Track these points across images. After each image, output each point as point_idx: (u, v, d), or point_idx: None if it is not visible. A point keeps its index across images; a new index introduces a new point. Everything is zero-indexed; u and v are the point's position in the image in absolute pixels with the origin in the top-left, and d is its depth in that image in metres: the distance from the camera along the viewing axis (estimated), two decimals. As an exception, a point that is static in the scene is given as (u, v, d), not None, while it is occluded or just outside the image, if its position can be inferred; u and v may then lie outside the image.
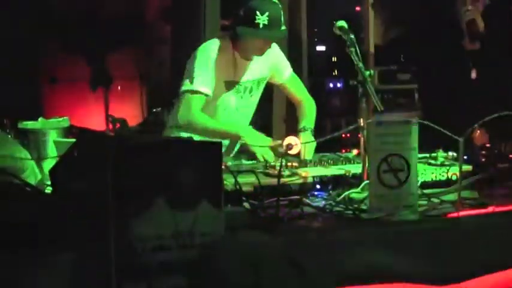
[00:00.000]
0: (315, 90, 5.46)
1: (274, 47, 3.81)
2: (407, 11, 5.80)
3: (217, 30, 5.18)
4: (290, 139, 3.15)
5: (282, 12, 3.54)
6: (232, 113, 3.75)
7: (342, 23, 3.27)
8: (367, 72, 3.01)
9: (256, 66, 3.74)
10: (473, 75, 4.41)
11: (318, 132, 3.87)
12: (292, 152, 3.10)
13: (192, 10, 5.21)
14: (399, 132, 2.56)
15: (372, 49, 5.78)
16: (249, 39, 3.55)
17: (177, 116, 3.59)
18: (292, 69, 3.94)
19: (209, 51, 3.61)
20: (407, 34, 4.86)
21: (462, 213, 2.69)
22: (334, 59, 5.33)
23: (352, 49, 3.12)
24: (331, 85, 5.48)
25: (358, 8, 5.78)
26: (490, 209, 2.80)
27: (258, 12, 3.42)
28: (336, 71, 5.34)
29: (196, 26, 5.18)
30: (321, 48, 5.46)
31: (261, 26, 3.44)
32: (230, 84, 3.69)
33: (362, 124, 2.92)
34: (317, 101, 5.48)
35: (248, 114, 3.86)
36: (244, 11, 3.46)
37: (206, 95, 3.56)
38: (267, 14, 3.43)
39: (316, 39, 5.44)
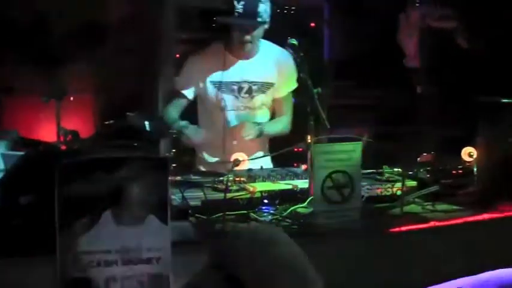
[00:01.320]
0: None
1: (288, 58, 3.81)
2: (363, 28, 5.90)
3: (174, 44, 5.21)
4: (238, 155, 3.19)
5: (261, 5, 3.63)
6: (230, 113, 3.82)
7: (292, 41, 3.32)
8: (315, 90, 3.07)
9: (258, 68, 3.82)
10: (419, 91, 4.50)
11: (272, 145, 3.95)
12: (240, 167, 3.14)
13: (149, 23, 5.22)
14: (343, 150, 2.62)
15: (328, 65, 5.86)
16: (232, 30, 3.66)
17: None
18: (295, 86, 3.94)
19: (192, 58, 3.81)
20: (363, 50, 4.93)
21: (405, 228, 2.76)
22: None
23: (302, 67, 3.17)
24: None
25: (313, 24, 5.85)
26: (432, 223, 2.87)
27: (235, 2, 3.54)
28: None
29: (153, 39, 5.19)
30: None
31: (236, 14, 3.55)
32: (219, 84, 3.77)
33: (309, 141, 2.96)
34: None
35: (255, 116, 3.89)
36: (224, 3, 3.61)
37: (184, 97, 3.76)
38: (242, 3, 3.54)
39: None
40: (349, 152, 2.62)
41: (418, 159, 3.92)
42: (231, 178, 3.01)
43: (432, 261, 2.71)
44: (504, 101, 3.35)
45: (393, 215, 2.93)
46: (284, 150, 3.21)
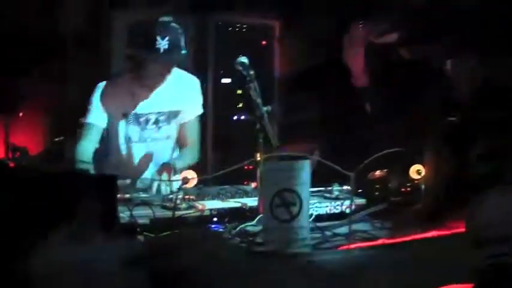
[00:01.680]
0: (220, 122, 5.54)
1: (192, 82, 3.86)
2: (313, 46, 5.95)
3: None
4: (187, 173, 3.18)
5: (182, 36, 3.59)
6: (136, 145, 3.74)
7: (242, 59, 3.33)
8: (265, 108, 3.08)
9: (163, 99, 3.74)
10: (368, 110, 4.54)
11: (223, 163, 3.94)
12: (189, 185, 3.13)
13: (99, 41, 5.19)
14: (291, 168, 2.63)
15: (277, 83, 5.89)
16: (149, 65, 3.54)
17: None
18: (201, 112, 3.95)
19: (103, 87, 3.67)
20: (313, 69, 4.97)
21: (354, 245, 2.78)
22: (239, 91, 5.38)
23: (252, 85, 3.18)
24: (235, 118, 5.53)
25: (264, 43, 5.87)
26: (380, 241, 2.90)
27: (158, 38, 3.45)
28: (240, 104, 5.39)
29: (102, 56, 5.16)
30: (226, 80, 5.51)
31: (161, 50, 3.47)
32: (126, 116, 3.68)
33: (258, 159, 2.97)
34: (222, 133, 5.57)
35: (161, 147, 3.81)
36: (144, 37, 3.51)
37: (94, 126, 3.64)
38: (167, 38, 3.47)
39: (221, 72, 5.48)
40: (297, 170, 2.63)
41: (368, 176, 3.97)
42: (180, 196, 3.00)
43: (381, 278, 2.72)
44: (451, 118, 3.40)
45: (342, 233, 2.94)
46: (232, 168, 3.21)
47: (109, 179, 2.31)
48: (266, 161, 2.69)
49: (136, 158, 3.76)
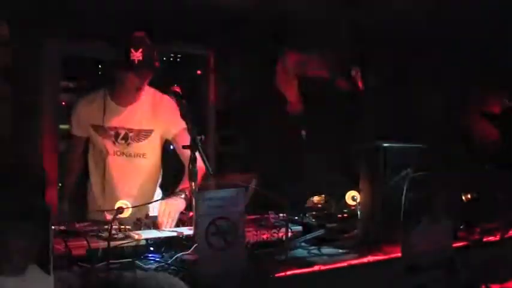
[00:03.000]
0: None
1: (165, 101, 3.84)
2: (247, 77, 5.99)
3: (58, 91, 5.13)
4: (121, 203, 3.16)
5: (154, 50, 3.66)
6: (110, 158, 3.79)
7: (175, 89, 3.35)
8: (198, 137, 3.09)
9: (137, 117, 3.79)
10: (304, 137, 4.59)
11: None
12: (124, 215, 3.10)
13: (32, 70, 5.13)
14: (226, 196, 2.64)
15: (213, 113, 5.91)
16: (124, 79, 3.63)
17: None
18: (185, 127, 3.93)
19: (79, 101, 3.81)
20: (248, 97, 5.01)
21: (290, 272, 2.78)
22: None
23: (185, 114, 3.19)
24: (172, 147, 5.51)
25: (199, 72, 5.90)
26: (317, 267, 2.92)
27: (132, 50, 3.52)
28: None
29: (35, 86, 5.10)
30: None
31: (136, 62, 3.53)
32: (99, 129, 3.75)
33: (194, 187, 2.97)
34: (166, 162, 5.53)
35: (131, 163, 3.83)
36: (119, 51, 3.57)
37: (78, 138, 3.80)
38: (140, 50, 3.54)
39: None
40: (231, 198, 2.64)
41: (305, 203, 4.00)
42: (115, 226, 2.97)
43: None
44: (385, 145, 3.45)
45: (278, 260, 2.95)
46: (165, 198, 3.21)
47: (43, 210, 2.27)
48: (201, 189, 2.69)
49: (113, 170, 3.81)
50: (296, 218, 3.54)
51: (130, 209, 3.12)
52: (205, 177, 3.41)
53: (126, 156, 3.81)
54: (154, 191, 3.96)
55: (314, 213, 3.74)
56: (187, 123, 3.18)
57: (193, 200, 2.97)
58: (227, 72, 6.00)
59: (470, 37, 6.05)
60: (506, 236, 3.74)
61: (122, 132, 3.77)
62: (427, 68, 5.94)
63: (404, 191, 3.01)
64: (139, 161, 3.86)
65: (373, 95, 5.14)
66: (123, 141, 3.78)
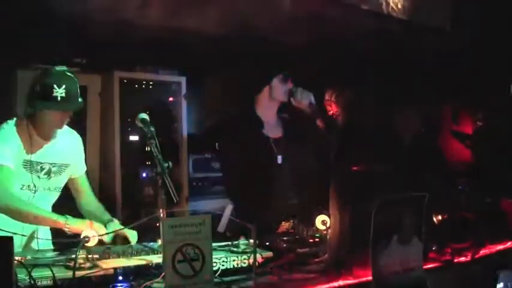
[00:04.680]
0: (128, 179, 5.49)
1: (79, 139, 3.93)
2: (220, 101, 6.01)
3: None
4: (87, 231, 3.13)
5: (78, 86, 3.60)
6: (31, 192, 3.68)
7: (143, 116, 3.34)
8: (166, 164, 3.08)
9: (57, 151, 3.75)
10: (279, 161, 4.59)
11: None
12: (90, 244, 3.08)
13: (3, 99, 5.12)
14: (193, 223, 2.62)
15: (185, 138, 5.91)
16: (47, 113, 3.56)
17: None
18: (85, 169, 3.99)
19: (5, 128, 3.62)
20: (220, 124, 5.00)
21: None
22: (147, 148, 5.36)
23: (152, 141, 3.19)
24: (144, 174, 5.51)
25: (171, 99, 5.90)
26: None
27: (55, 86, 3.47)
28: (149, 161, 5.37)
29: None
30: (134, 137, 5.48)
31: (58, 98, 3.48)
32: (24, 162, 3.63)
33: (162, 215, 2.95)
34: (131, 190, 5.52)
35: (48, 196, 3.79)
36: (41, 86, 3.50)
37: (8, 168, 3.52)
38: (63, 87, 3.49)
39: (129, 129, 5.46)
40: (198, 225, 2.62)
41: (275, 228, 3.99)
42: (83, 255, 2.94)
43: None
44: (354, 168, 3.46)
45: (248, 286, 2.94)
46: (132, 225, 3.19)
47: (5, 240, 2.24)
48: (164, 217, 2.68)
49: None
50: (267, 243, 3.53)
51: (97, 238, 3.10)
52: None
53: (45, 190, 3.75)
54: None
55: (284, 238, 3.73)
56: (153, 151, 3.17)
57: (160, 227, 2.95)
58: (201, 98, 6.02)
59: (443, 58, 6.13)
60: (477, 256, 3.76)
61: (46, 167, 3.72)
62: (399, 90, 6.00)
63: (374, 213, 3.01)
64: (55, 194, 3.84)
65: (344, 118, 5.17)
66: (45, 176, 3.73)
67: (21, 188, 3.64)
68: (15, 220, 3.47)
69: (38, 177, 3.70)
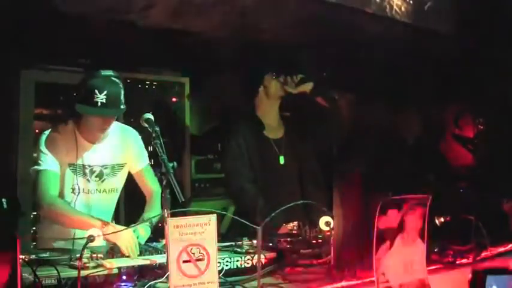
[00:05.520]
0: (131, 179, 5.48)
1: (133, 135, 3.92)
2: (223, 102, 6.01)
3: (31, 119, 5.11)
4: (93, 231, 3.14)
5: (121, 91, 3.61)
6: (82, 196, 3.71)
7: (147, 116, 3.34)
8: (171, 164, 3.08)
9: (106, 152, 3.77)
10: (281, 161, 4.60)
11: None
12: (95, 243, 3.09)
13: (6, 99, 5.12)
14: (198, 223, 2.63)
15: (188, 139, 5.92)
16: (89, 118, 3.58)
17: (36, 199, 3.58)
18: (148, 161, 4.00)
19: (49, 135, 3.66)
20: (223, 125, 5.02)
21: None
22: (150, 148, 5.36)
23: (157, 141, 3.20)
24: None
25: (174, 99, 5.91)
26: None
27: (96, 91, 3.47)
28: (152, 161, 5.37)
29: (10, 116, 5.09)
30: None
31: (99, 104, 3.48)
32: (73, 167, 3.67)
33: (166, 215, 2.96)
34: (133, 190, 5.50)
35: (103, 199, 3.82)
36: (84, 90, 3.52)
37: (54, 173, 3.58)
38: (105, 92, 3.48)
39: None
40: (203, 225, 2.63)
41: (278, 229, 4.00)
42: (87, 255, 2.95)
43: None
44: (357, 169, 3.47)
45: (252, 287, 2.95)
46: (136, 225, 3.21)
47: (10, 238, 2.25)
48: (173, 216, 2.68)
49: (83, 208, 3.72)
50: (270, 244, 3.54)
51: (102, 237, 3.11)
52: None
53: (100, 192, 3.78)
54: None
55: (288, 239, 3.74)
56: (158, 151, 3.17)
57: (165, 227, 2.96)
58: (204, 99, 6.03)
59: (446, 61, 6.14)
60: (479, 258, 3.77)
61: (97, 170, 3.75)
62: (402, 92, 6.01)
63: (377, 215, 3.02)
64: (112, 196, 3.87)
65: (348, 119, 5.18)
66: (97, 179, 3.76)
67: (71, 192, 3.69)
68: (58, 223, 3.57)
69: (88, 180, 3.72)
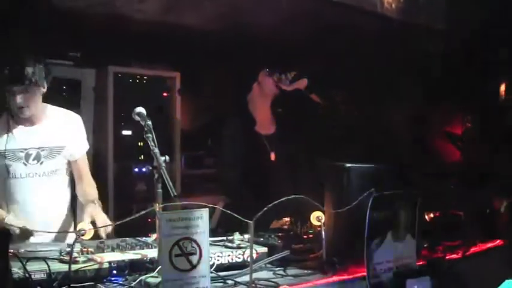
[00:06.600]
0: (121, 174, 5.49)
1: (75, 119, 3.90)
2: (214, 98, 6.01)
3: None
4: (82, 224, 3.12)
5: (26, 68, 3.52)
6: (22, 181, 3.69)
7: (139, 109, 3.32)
8: (163, 158, 3.07)
9: (44, 135, 3.74)
10: (272, 158, 4.60)
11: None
12: (85, 237, 3.07)
13: None
14: (190, 217, 2.62)
15: (179, 134, 5.91)
16: (17, 97, 3.56)
17: None
18: (87, 147, 3.98)
19: None
20: (214, 120, 5.00)
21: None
22: (140, 143, 5.36)
23: (149, 135, 3.17)
24: (136, 169, 5.50)
25: (165, 94, 5.90)
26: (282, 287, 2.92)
27: (8, 69, 3.48)
28: (142, 156, 5.38)
29: None
30: (127, 132, 5.47)
31: (25, 81, 3.48)
32: (5, 152, 3.64)
33: (158, 209, 2.94)
34: (123, 185, 5.51)
35: (47, 181, 3.78)
36: (9, 69, 3.49)
37: None
38: (7, 67, 3.48)
39: (122, 124, 5.45)
40: (196, 219, 2.62)
41: (270, 224, 4.00)
42: (78, 249, 2.94)
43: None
44: (348, 165, 3.47)
45: (243, 282, 2.94)
46: (128, 219, 3.18)
47: (1, 233, 2.24)
48: (164, 210, 2.67)
49: (25, 193, 3.71)
50: (261, 239, 3.54)
51: (92, 231, 3.09)
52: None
53: (40, 176, 3.75)
54: (67, 208, 3.96)
55: (279, 234, 3.74)
56: (150, 144, 3.16)
57: (157, 221, 2.95)
58: (194, 94, 6.02)
59: (433, 59, 6.16)
60: (468, 253, 3.78)
61: (33, 153, 3.72)
62: (391, 89, 6.02)
63: (368, 211, 3.02)
64: (53, 178, 3.83)
65: (339, 115, 5.18)
66: (35, 162, 3.73)
67: (8, 178, 3.66)
68: None
69: (24, 164, 3.69)
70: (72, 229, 3.85)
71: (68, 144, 3.83)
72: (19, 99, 3.56)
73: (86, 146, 3.97)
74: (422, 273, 3.18)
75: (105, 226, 3.23)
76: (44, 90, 3.64)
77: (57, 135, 3.79)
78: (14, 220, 3.49)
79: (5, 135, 3.64)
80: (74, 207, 4.00)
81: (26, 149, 3.69)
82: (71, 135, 3.87)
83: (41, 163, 3.74)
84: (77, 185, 3.92)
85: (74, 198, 3.97)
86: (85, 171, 3.94)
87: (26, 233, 3.43)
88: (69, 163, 3.89)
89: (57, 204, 3.86)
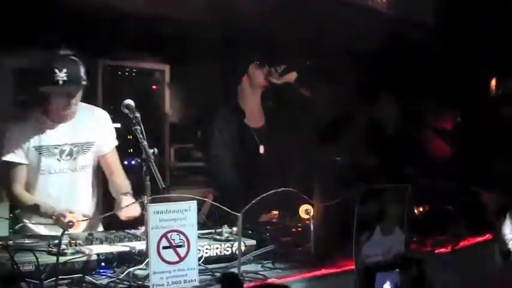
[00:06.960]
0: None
1: (104, 115, 3.96)
2: (203, 91, 5.99)
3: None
4: (72, 216, 3.12)
5: (81, 68, 3.59)
6: (56, 176, 3.74)
7: (128, 102, 3.32)
8: (151, 151, 3.07)
9: (76, 131, 3.78)
10: (261, 151, 4.60)
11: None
12: (74, 229, 3.06)
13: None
14: (178, 209, 2.62)
15: (168, 127, 5.89)
16: (52, 98, 3.59)
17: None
18: (116, 143, 4.02)
19: (10, 124, 3.71)
20: (203, 113, 4.99)
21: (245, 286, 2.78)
22: (129, 136, 5.33)
23: (138, 127, 3.17)
24: (125, 162, 5.47)
25: (154, 87, 5.88)
26: (271, 281, 2.92)
27: (56, 70, 3.48)
28: (131, 149, 5.34)
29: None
30: (116, 125, 5.44)
31: (60, 82, 3.48)
32: (40, 149, 3.69)
33: (146, 201, 2.94)
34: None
35: (77, 178, 3.83)
36: (44, 72, 3.52)
37: (19, 164, 3.65)
38: (65, 70, 3.49)
39: (111, 116, 5.42)
40: (184, 211, 2.62)
41: (259, 217, 4.00)
42: (66, 241, 2.93)
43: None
44: (338, 158, 3.48)
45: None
46: (122, 208, 3.18)
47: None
48: (152, 203, 2.67)
49: (59, 188, 3.76)
50: (250, 232, 3.54)
51: (82, 224, 3.08)
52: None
53: (73, 171, 3.79)
54: (95, 202, 4.00)
55: (267, 227, 3.74)
56: (138, 137, 3.15)
57: (145, 213, 2.95)
58: (184, 87, 6.00)
59: (424, 54, 6.16)
60: (456, 247, 3.79)
61: (67, 149, 3.76)
62: (382, 83, 6.02)
63: (357, 204, 3.02)
64: (84, 174, 3.87)
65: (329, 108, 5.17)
66: (68, 157, 3.77)
67: (42, 174, 3.72)
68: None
69: (58, 160, 3.73)
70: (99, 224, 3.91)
71: (97, 140, 3.88)
72: (71, 101, 3.61)
73: (115, 142, 4.00)
74: (392, 267, 3.17)
75: (85, 219, 3.21)
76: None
77: (88, 132, 3.84)
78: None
79: (39, 132, 3.69)
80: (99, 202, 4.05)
81: (59, 145, 3.74)
82: (101, 131, 3.91)
83: (74, 159, 3.78)
84: (109, 179, 3.95)
85: (100, 192, 4.03)
86: (115, 165, 3.97)
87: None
88: (96, 158, 3.93)
89: (87, 198, 3.91)
